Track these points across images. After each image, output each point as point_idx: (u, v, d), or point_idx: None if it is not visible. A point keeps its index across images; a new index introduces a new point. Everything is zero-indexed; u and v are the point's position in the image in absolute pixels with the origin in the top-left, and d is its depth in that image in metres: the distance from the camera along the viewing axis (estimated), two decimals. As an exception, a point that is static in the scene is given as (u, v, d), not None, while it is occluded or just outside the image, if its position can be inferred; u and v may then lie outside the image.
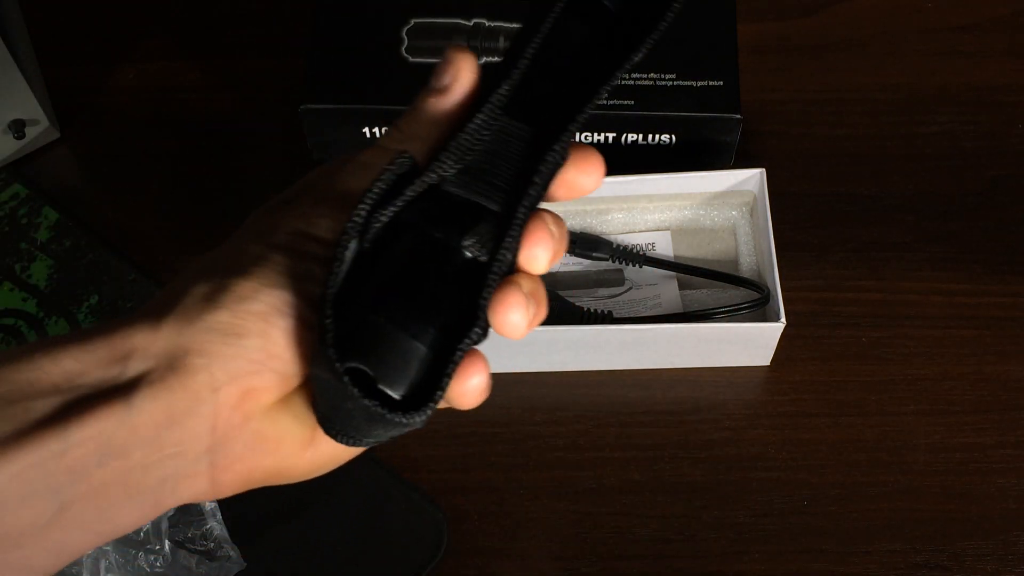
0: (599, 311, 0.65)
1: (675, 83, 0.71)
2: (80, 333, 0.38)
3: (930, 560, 0.63)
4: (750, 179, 0.70)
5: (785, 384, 0.68)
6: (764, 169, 0.69)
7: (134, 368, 0.37)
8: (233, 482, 0.38)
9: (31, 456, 0.35)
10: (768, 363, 0.68)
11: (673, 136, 0.72)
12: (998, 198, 0.74)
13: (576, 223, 0.71)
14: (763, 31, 0.81)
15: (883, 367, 0.69)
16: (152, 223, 0.74)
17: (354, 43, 0.73)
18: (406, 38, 0.73)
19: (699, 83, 0.71)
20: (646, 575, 0.63)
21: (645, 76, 0.72)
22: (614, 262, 0.70)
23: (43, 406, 0.36)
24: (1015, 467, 0.66)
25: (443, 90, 0.40)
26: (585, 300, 0.68)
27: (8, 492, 0.35)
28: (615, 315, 0.67)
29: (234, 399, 0.37)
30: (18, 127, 0.74)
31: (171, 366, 0.36)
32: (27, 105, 0.73)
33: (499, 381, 0.69)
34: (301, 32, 0.76)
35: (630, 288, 0.69)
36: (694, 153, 0.73)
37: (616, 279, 0.70)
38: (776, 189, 0.69)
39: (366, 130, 0.73)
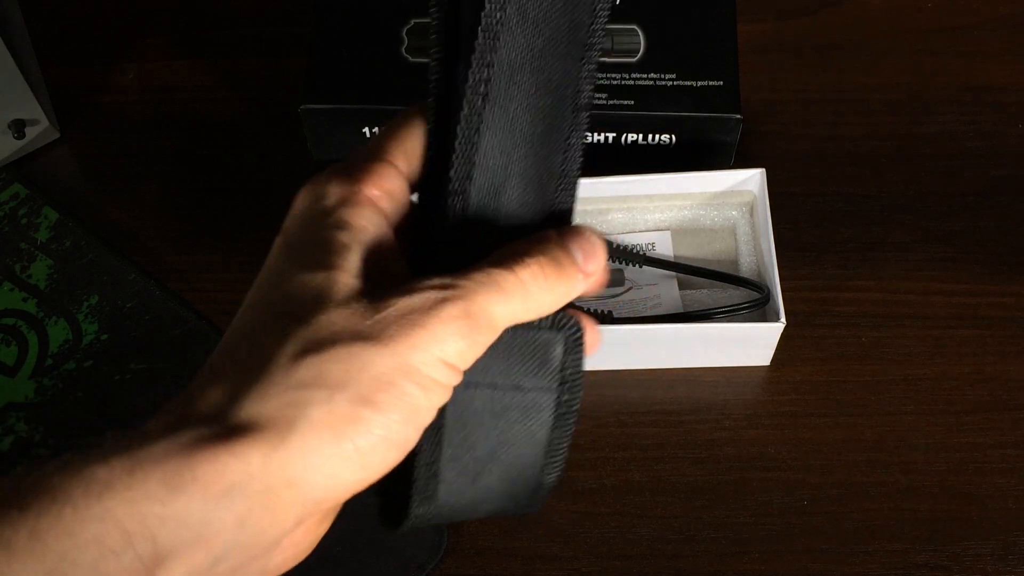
0: (599, 311, 0.65)
1: (675, 83, 0.71)
2: (164, 453, 0.34)
3: (930, 560, 0.63)
4: (750, 179, 0.70)
5: (785, 384, 0.68)
6: (764, 169, 0.69)
7: (233, 509, 0.34)
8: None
9: None
10: (768, 363, 0.68)
11: (673, 136, 0.72)
12: (998, 198, 0.74)
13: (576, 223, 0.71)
14: (763, 31, 0.81)
15: (883, 367, 0.69)
16: (152, 223, 0.74)
17: (354, 43, 0.73)
18: (406, 38, 0.73)
19: (699, 83, 0.71)
20: (646, 575, 0.63)
21: (645, 76, 0.72)
22: (614, 262, 0.70)
23: (115, 568, 0.33)
24: (1015, 467, 0.66)
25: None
26: (585, 300, 0.68)
27: None
28: (615, 315, 0.67)
29: (305, 528, 0.37)
30: (18, 127, 0.74)
31: (269, 505, 0.34)
32: (27, 105, 0.73)
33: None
34: (301, 32, 0.76)
35: (630, 288, 0.69)
36: (694, 153, 0.73)
37: (616, 279, 0.70)
38: (776, 189, 0.69)
39: (366, 130, 0.73)
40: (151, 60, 0.80)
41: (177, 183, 0.76)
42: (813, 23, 0.82)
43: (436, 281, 0.37)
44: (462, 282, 0.37)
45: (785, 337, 0.66)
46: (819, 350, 0.69)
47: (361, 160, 0.40)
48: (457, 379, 0.37)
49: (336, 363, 0.35)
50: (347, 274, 0.37)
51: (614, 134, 0.72)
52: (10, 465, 0.65)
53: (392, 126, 0.42)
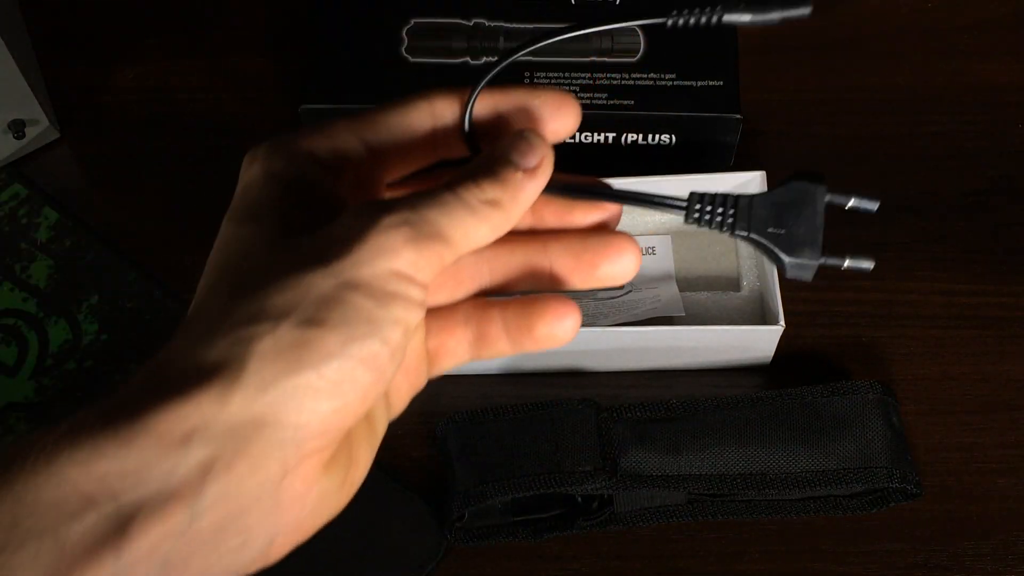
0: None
1: (675, 83, 0.71)
2: (112, 413, 0.32)
3: (930, 560, 0.63)
4: (750, 181, 0.70)
5: (786, 384, 0.68)
6: (764, 172, 0.69)
7: (195, 456, 0.32)
8: (281, 553, 0.35)
9: None
10: (768, 363, 0.68)
11: (673, 136, 0.72)
12: (998, 198, 0.74)
13: (576, 223, 0.71)
14: (763, 31, 0.81)
15: (883, 367, 0.69)
16: (152, 223, 0.74)
17: (354, 43, 0.73)
18: (406, 38, 0.73)
19: (699, 83, 0.71)
20: (646, 575, 0.63)
21: (645, 76, 0.72)
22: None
23: (79, 532, 0.31)
24: (1015, 467, 0.66)
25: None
26: (585, 302, 0.68)
27: None
28: (615, 319, 0.67)
29: (302, 476, 0.33)
30: (18, 127, 0.74)
31: (239, 449, 0.32)
32: (27, 105, 0.73)
33: (499, 381, 0.70)
34: (301, 32, 0.76)
35: (630, 290, 0.69)
36: (694, 153, 0.73)
37: (616, 280, 0.70)
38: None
39: (366, 130, 0.73)
40: (151, 60, 0.80)
41: (177, 183, 0.76)
42: (813, 23, 0.81)
43: (374, 203, 0.36)
44: (401, 200, 0.35)
45: (785, 337, 0.66)
46: (819, 350, 0.69)
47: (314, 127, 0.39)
48: (419, 293, 0.35)
49: (277, 293, 0.33)
50: (276, 215, 0.36)
51: (614, 134, 0.72)
52: (10, 465, 0.65)
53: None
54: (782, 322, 0.64)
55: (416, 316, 0.35)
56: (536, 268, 0.40)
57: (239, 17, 0.82)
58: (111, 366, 0.68)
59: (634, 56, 0.72)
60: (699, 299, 0.69)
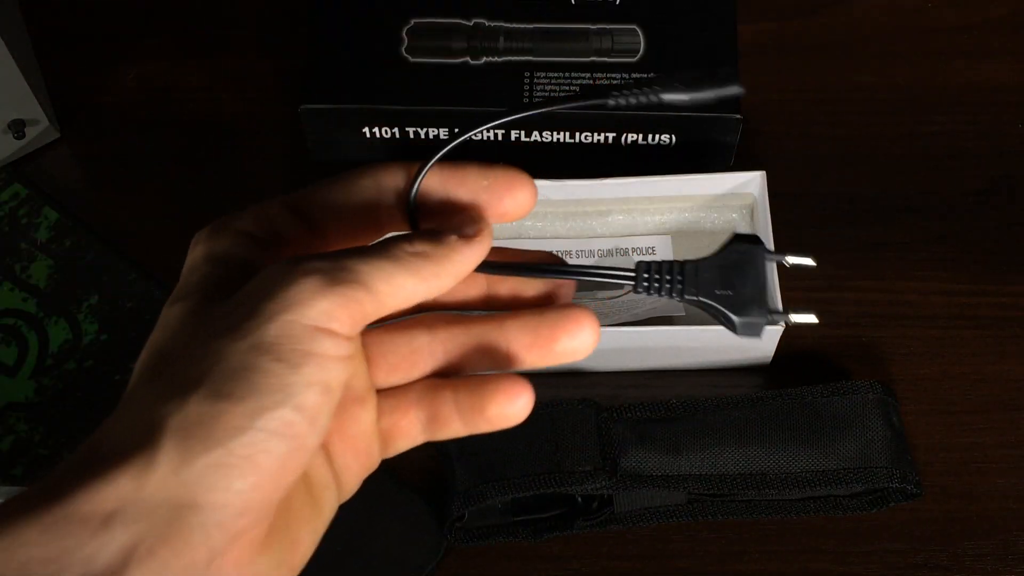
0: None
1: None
2: (37, 498, 0.31)
3: (930, 560, 0.63)
4: (750, 181, 0.70)
5: (785, 383, 0.68)
6: (764, 172, 0.69)
7: (117, 540, 0.30)
8: None
9: None
10: (768, 363, 0.68)
11: (673, 136, 0.72)
12: (998, 198, 0.74)
13: (577, 224, 0.71)
14: (763, 31, 0.81)
15: (883, 367, 0.69)
16: (152, 223, 0.74)
17: (354, 43, 0.73)
18: (406, 38, 0.73)
19: (699, 83, 0.71)
20: (646, 575, 0.63)
21: (645, 76, 0.72)
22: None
23: None
24: (1015, 467, 0.66)
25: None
26: (585, 302, 0.68)
27: None
28: (615, 319, 0.67)
29: (232, 560, 0.32)
30: (18, 127, 0.74)
31: (162, 533, 0.31)
32: (27, 105, 0.73)
33: (499, 381, 0.70)
34: (301, 32, 0.76)
35: (630, 291, 0.69)
36: (694, 153, 0.73)
37: (616, 280, 0.70)
38: (776, 189, 0.69)
39: (366, 130, 0.73)
40: (151, 60, 0.80)
41: (177, 183, 0.76)
42: (813, 23, 0.82)
43: (290, 258, 0.34)
44: (320, 254, 0.34)
45: (785, 337, 0.66)
46: (820, 350, 0.69)
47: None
48: (337, 348, 0.33)
49: (188, 366, 0.32)
50: (208, 294, 0.35)
51: (614, 134, 0.72)
52: (10, 465, 0.65)
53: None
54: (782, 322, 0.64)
55: (336, 374, 0.33)
56: (492, 347, 0.39)
57: (239, 17, 0.82)
58: (111, 366, 0.68)
59: (634, 56, 0.72)
60: (699, 299, 0.69)
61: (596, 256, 0.71)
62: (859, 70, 0.80)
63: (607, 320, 0.67)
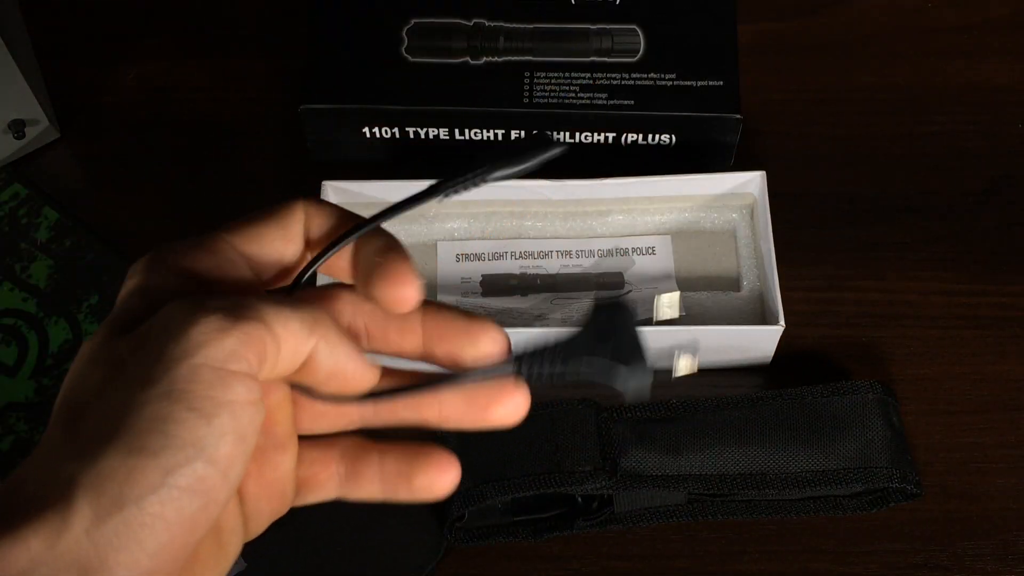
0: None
1: (675, 83, 0.71)
2: None
3: (930, 560, 0.63)
4: (750, 181, 0.70)
5: (785, 383, 0.68)
6: (764, 172, 0.69)
7: None
8: None
9: None
10: (769, 363, 0.68)
11: (673, 136, 0.72)
12: (998, 198, 0.74)
13: (577, 224, 0.71)
14: (763, 31, 0.81)
15: (883, 367, 0.69)
16: (152, 223, 0.74)
17: (354, 43, 0.73)
18: (406, 38, 0.73)
19: (699, 83, 0.71)
20: (646, 575, 0.63)
21: (645, 76, 0.72)
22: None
23: None
24: (1015, 467, 0.66)
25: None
26: (585, 302, 0.68)
27: None
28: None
29: None
30: (18, 127, 0.74)
31: None
32: (27, 105, 0.73)
33: (499, 381, 0.69)
34: (301, 32, 0.76)
35: (630, 291, 0.69)
36: (694, 153, 0.73)
37: (616, 282, 0.70)
38: (776, 189, 0.69)
39: (366, 130, 0.73)
40: (151, 60, 0.80)
41: (177, 183, 0.76)
42: (813, 23, 0.82)
43: (188, 299, 0.33)
44: (218, 293, 0.34)
45: (785, 337, 0.66)
46: (820, 350, 0.69)
47: (199, 236, 0.38)
48: (251, 389, 0.32)
49: (99, 418, 0.31)
50: (108, 323, 0.34)
51: (614, 134, 0.72)
52: (10, 465, 0.65)
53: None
54: (782, 322, 0.64)
55: (250, 421, 0.32)
56: (424, 408, 0.38)
57: (239, 17, 0.82)
58: (111, 366, 0.68)
59: (634, 56, 0.72)
60: (699, 299, 0.69)
61: (596, 256, 0.71)
62: (859, 70, 0.80)
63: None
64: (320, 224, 0.38)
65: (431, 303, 0.37)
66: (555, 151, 0.37)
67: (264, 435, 0.36)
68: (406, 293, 0.35)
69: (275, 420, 0.37)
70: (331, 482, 0.39)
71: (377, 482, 0.39)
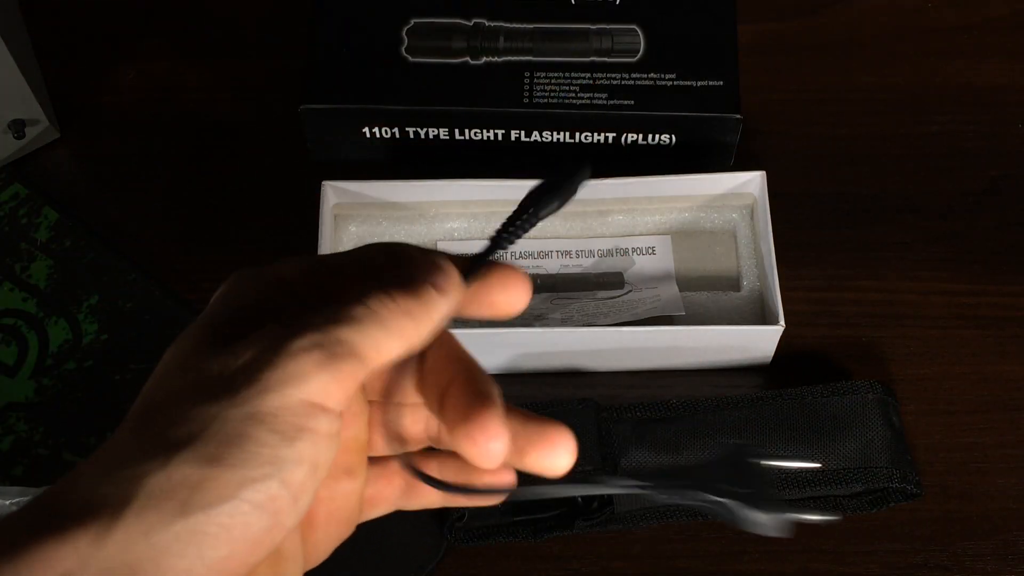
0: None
1: (675, 83, 0.71)
2: None
3: (930, 560, 0.63)
4: (750, 181, 0.70)
5: (785, 384, 0.68)
6: (764, 172, 0.69)
7: None
8: None
9: None
10: (769, 362, 0.68)
11: (673, 136, 0.72)
12: (998, 198, 0.74)
13: (577, 224, 0.71)
14: (763, 31, 0.81)
15: (883, 367, 0.69)
16: (152, 223, 0.74)
17: (354, 43, 0.73)
18: (406, 38, 0.73)
19: (699, 83, 0.71)
20: (646, 575, 0.63)
21: (645, 76, 0.72)
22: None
23: None
24: (1015, 467, 0.66)
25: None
26: (585, 302, 0.68)
27: None
28: (615, 319, 0.67)
29: None
30: (18, 127, 0.74)
31: None
32: (27, 105, 0.73)
33: (499, 381, 0.69)
34: (301, 32, 0.76)
35: (630, 291, 0.69)
36: (694, 153, 0.73)
37: (616, 281, 0.70)
38: (776, 189, 0.69)
39: (366, 130, 0.73)
40: (151, 60, 0.80)
41: (177, 183, 0.76)
42: (813, 23, 0.82)
43: (283, 320, 0.34)
44: (311, 317, 0.34)
45: (785, 337, 0.66)
46: (819, 350, 0.69)
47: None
48: (330, 424, 0.33)
49: (178, 424, 0.31)
50: (201, 330, 0.34)
51: (614, 134, 0.72)
52: (10, 465, 0.65)
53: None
54: (782, 322, 0.64)
55: (326, 451, 0.33)
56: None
57: (239, 17, 0.82)
58: (111, 366, 0.68)
59: (634, 56, 0.72)
60: (699, 299, 0.69)
61: (596, 256, 0.71)
62: (859, 70, 0.80)
63: (607, 320, 0.67)
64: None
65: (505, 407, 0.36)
66: (584, 175, 0.38)
67: (337, 463, 0.36)
68: (493, 449, 0.34)
69: (349, 448, 0.38)
70: (393, 496, 0.40)
71: (436, 492, 0.39)
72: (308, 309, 0.34)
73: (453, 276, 0.36)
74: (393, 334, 0.34)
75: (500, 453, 0.34)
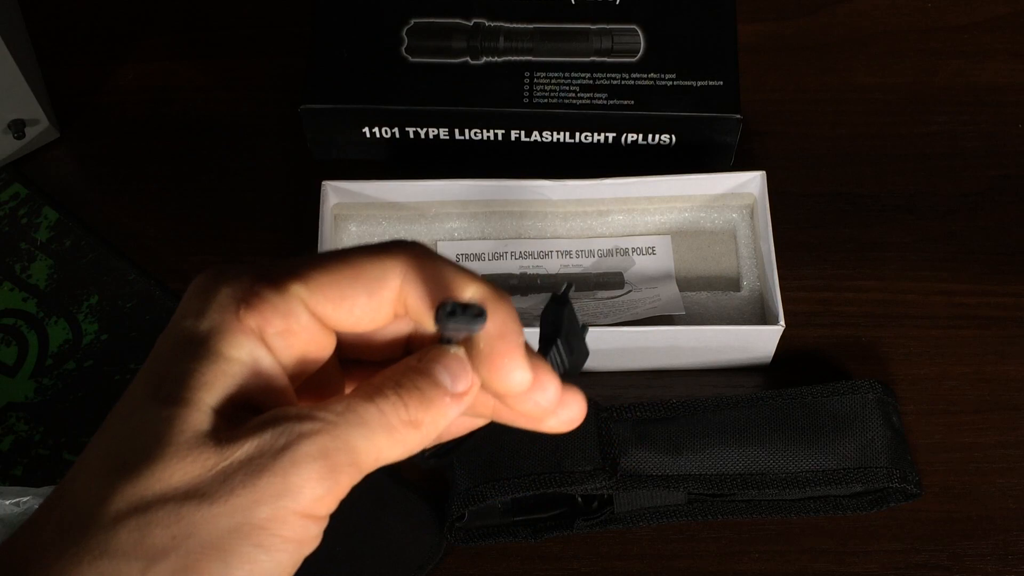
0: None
1: (675, 83, 0.71)
2: None
3: (930, 560, 0.63)
4: (750, 181, 0.70)
5: (786, 383, 0.68)
6: (764, 172, 0.69)
7: None
8: None
9: None
10: (769, 363, 0.68)
11: (673, 136, 0.72)
12: (998, 198, 0.74)
13: (577, 224, 0.71)
14: (763, 31, 0.81)
15: (883, 367, 0.69)
16: (152, 223, 0.74)
17: (354, 43, 0.73)
18: (406, 38, 0.73)
19: (699, 83, 0.71)
20: (646, 575, 0.63)
21: (645, 76, 0.72)
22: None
23: None
24: (1015, 467, 0.66)
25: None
26: (585, 302, 0.68)
27: None
28: (615, 319, 0.67)
29: None
30: (18, 127, 0.74)
31: None
32: (27, 105, 0.73)
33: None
34: (301, 32, 0.76)
35: (630, 290, 0.69)
36: (694, 153, 0.73)
37: (616, 281, 0.70)
38: (776, 189, 0.69)
39: (366, 130, 0.73)
40: (151, 60, 0.80)
41: (177, 183, 0.76)
42: (813, 23, 0.82)
43: (293, 412, 0.32)
44: (322, 414, 0.32)
45: (785, 337, 0.66)
46: (819, 350, 0.69)
47: (268, 283, 0.34)
48: (317, 529, 0.32)
49: (161, 527, 0.30)
50: (198, 412, 0.32)
51: (614, 134, 0.72)
52: (10, 465, 0.65)
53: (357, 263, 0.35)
54: (782, 322, 0.64)
55: (309, 549, 0.32)
56: (479, 405, 0.38)
57: (239, 17, 0.82)
58: (111, 366, 0.68)
59: (634, 56, 0.72)
60: (699, 299, 0.69)
61: (596, 256, 0.71)
62: (859, 70, 0.80)
63: (607, 320, 0.67)
64: (418, 293, 0.35)
65: None
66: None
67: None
68: (517, 378, 0.35)
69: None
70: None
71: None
72: (317, 406, 0.33)
73: (471, 377, 0.35)
74: (397, 445, 0.33)
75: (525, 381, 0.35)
